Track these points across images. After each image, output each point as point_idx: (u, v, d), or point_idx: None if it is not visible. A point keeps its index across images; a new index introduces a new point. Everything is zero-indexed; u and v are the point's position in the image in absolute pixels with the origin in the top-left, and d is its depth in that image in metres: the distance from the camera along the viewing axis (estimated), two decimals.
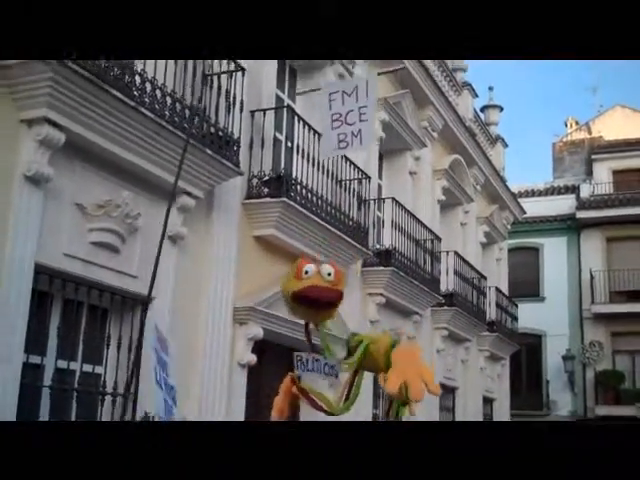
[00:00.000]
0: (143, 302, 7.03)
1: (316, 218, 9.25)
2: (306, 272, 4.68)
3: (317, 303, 4.68)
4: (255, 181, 8.76)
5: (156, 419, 5.03)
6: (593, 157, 27.74)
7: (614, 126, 29.24)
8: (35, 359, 6.03)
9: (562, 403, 24.32)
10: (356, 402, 5.32)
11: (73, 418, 6.42)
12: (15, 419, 5.54)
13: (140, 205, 6.83)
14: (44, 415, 6.14)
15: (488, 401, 18.14)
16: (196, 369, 7.40)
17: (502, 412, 19.07)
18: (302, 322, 9.43)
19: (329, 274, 4.67)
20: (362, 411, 10.06)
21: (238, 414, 8.26)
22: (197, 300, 7.73)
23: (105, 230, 6.42)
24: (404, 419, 5.16)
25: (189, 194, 7.27)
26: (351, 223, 10.32)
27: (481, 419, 16.97)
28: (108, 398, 6.67)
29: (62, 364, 6.32)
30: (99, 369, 6.75)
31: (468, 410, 15.93)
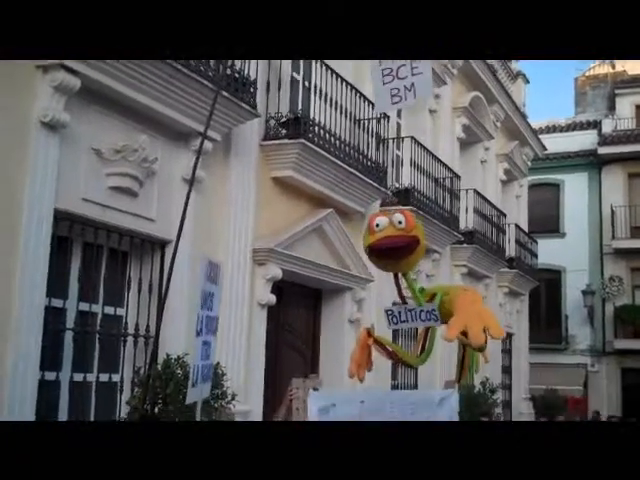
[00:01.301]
0: (162, 245, 7.12)
1: (334, 159, 9.20)
2: (377, 225, 4.68)
3: (391, 252, 4.67)
4: (272, 122, 8.71)
5: (191, 370, 5.10)
6: (616, 92, 27.21)
7: (638, 60, 28.59)
8: (57, 302, 6.12)
9: (581, 337, 24.42)
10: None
11: (96, 360, 6.54)
12: (39, 361, 5.66)
13: (157, 149, 6.82)
14: (67, 356, 6.26)
15: (507, 336, 18.25)
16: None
17: (521, 347, 19.20)
18: (319, 262, 9.55)
19: (400, 222, 4.64)
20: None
21: (258, 354, 8.38)
22: (216, 242, 7.78)
23: (122, 174, 6.43)
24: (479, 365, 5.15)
25: (207, 137, 7.24)
26: (369, 163, 10.26)
27: (500, 355, 17.09)
28: (130, 340, 6.78)
29: (84, 307, 6.41)
30: (120, 311, 6.85)
31: (488, 345, 15.98)
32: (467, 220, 14.59)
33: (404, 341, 11.29)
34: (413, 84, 5.53)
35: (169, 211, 7.00)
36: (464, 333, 4.44)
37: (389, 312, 4.87)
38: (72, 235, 6.21)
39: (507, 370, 18.16)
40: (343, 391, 6.35)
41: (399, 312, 4.82)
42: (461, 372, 5.35)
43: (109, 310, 6.72)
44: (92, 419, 6.46)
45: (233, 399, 6.14)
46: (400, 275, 4.89)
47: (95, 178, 6.23)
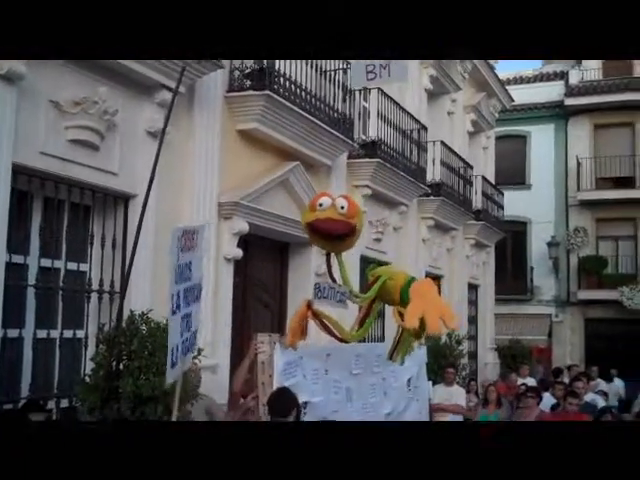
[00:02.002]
0: (125, 199, 7.00)
1: (300, 110, 9.08)
2: (320, 204, 4.71)
3: (326, 235, 4.73)
4: (237, 74, 8.55)
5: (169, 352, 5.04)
6: None
7: None
8: (18, 258, 6.01)
9: (545, 288, 24.74)
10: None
11: (60, 316, 6.47)
12: (1, 318, 5.58)
13: (118, 101, 6.66)
14: (30, 313, 6.18)
15: (473, 287, 18.43)
16: None
17: (487, 298, 19.41)
18: (286, 215, 9.52)
19: (342, 207, 4.68)
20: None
21: (225, 308, 8.35)
22: (181, 196, 7.67)
23: (82, 127, 6.27)
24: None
25: (169, 89, 7.09)
26: (336, 115, 10.15)
27: (466, 305, 17.27)
28: (94, 296, 6.70)
29: (46, 263, 6.30)
30: (84, 267, 6.74)
31: (453, 297, 16.16)
32: (434, 172, 14.58)
33: None
34: (389, 64, 5.52)
35: (132, 164, 6.88)
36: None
37: (317, 285, 5.02)
38: (32, 190, 6.08)
39: (473, 321, 18.37)
40: (309, 345, 6.37)
41: (324, 287, 4.98)
42: (394, 351, 5.47)
43: (72, 266, 6.61)
44: (56, 376, 6.41)
45: (199, 354, 6.11)
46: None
47: (54, 131, 6.08)
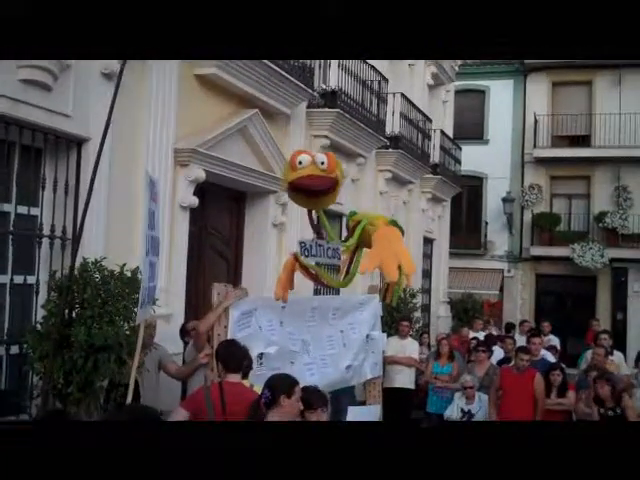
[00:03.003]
0: (78, 142, 6.79)
1: None
2: (300, 162, 4.65)
3: (310, 192, 4.68)
4: None
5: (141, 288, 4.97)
6: None
7: None
8: None
9: (499, 244, 25.00)
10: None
11: (10, 261, 6.30)
12: None
13: None
14: None
15: (428, 241, 18.52)
16: (137, 213, 7.24)
17: (441, 252, 19.54)
18: (243, 164, 9.41)
19: (322, 163, 4.64)
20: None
21: (180, 256, 8.23)
22: (135, 142, 7.47)
23: (35, 67, 6.03)
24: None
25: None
26: (296, 63, 9.97)
27: (421, 259, 17.36)
28: (46, 241, 6.53)
29: None
30: (35, 211, 6.55)
31: (409, 250, 16.16)
32: (393, 124, 14.50)
33: None
34: None
35: (86, 107, 6.66)
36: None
37: (302, 244, 5.01)
38: None
39: (427, 274, 18.50)
40: (264, 296, 6.32)
41: (310, 245, 4.97)
42: (385, 296, 5.52)
43: (22, 210, 6.42)
44: (6, 322, 6.26)
45: (154, 303, 6.02)
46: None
47: (5, 71, 5.82)
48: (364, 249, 5.27)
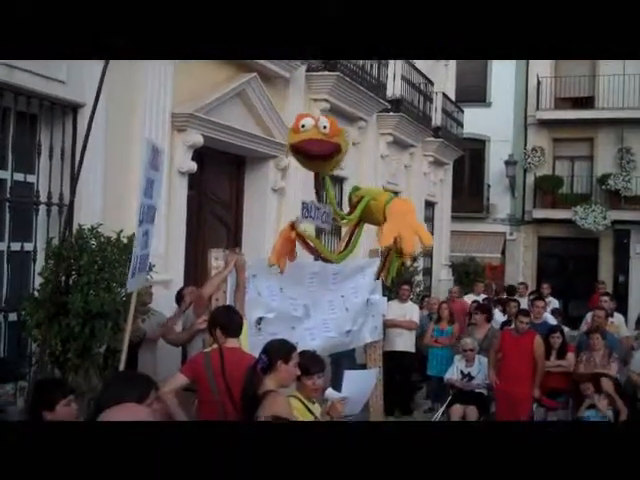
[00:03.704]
0: (74, 108, 6.74)
1: None
2: (303, 126, 4.64)
3: (310, 156, 4.68)
4: None
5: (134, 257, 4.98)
6: None
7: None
8: None
9: (501, 207, 24.92)
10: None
11: (7, 229, 6.28)
12: None
13: None
14: None
15: (430, 205, 18.47)
16: (134, 179, 7.20)
17: (443, 215, 19.49)
18: (242, 128, 9.34)
19: (324, 127, 4.62)
20: None
21: (178, 222, 8.21)
22: (132, 107, 7.42)
23: None
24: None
25: None
26: None
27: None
28: (42, 208, 6.51)
29: None
30: (31, 178, 6.53)
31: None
32: (394, 88, 14.37)
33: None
34: None
35: (80, 73, 6.58)
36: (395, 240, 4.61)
37: (304, 204, 5.00)
38: None
39: None
40: (264, 263, 6.31)
41: (310, 207, 4.97)
42: (381, 271, 5.53)
43: (19, 177, 6.39)
44: (4, 290, 6.27)
45: (151, 269, 6.01)
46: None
47: None
48: (366, 225, 5.28)
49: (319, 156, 4.72)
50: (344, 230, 5.44)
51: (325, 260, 5.31)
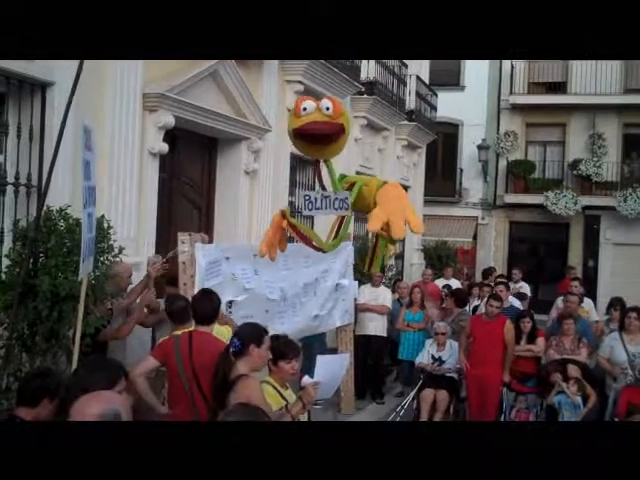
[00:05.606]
0: (42, 87, 6.60)
1: None
2: (304, 109, 4.47)
3: (316, 138, 4.50)
4: None
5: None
6: None
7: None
8: None
9: (474, 191, 25.02)
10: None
11: None
12: None
13: None
14: None
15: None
16: (103, 160, 7.09)
17: (416, 199, 19.47)
18: (215, 109, 9.21)
19: (327, 108, 4.46)
20: None
21: (149, 204, 8.11)
22: (102, 86, 7.28)
23: None
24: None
25: None
26: None
27: None
28: (10, 189, 6.38)
29: None
30: None
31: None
32: (368, 70, 14.30)
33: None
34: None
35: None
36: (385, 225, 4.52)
37: (306, 197, 4.85)
38: None
39: None
40: (236, 244, 6.25)
41: (315, 198, 4.81)
42: (372, 260, 5.45)
43: None
44: None
45: (120, 252, 5.93)
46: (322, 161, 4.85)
47: None
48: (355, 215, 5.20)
49: (327, 136, 4.54)
50: (333, 218, 5.32)
51: (317, 249, 5.21)
